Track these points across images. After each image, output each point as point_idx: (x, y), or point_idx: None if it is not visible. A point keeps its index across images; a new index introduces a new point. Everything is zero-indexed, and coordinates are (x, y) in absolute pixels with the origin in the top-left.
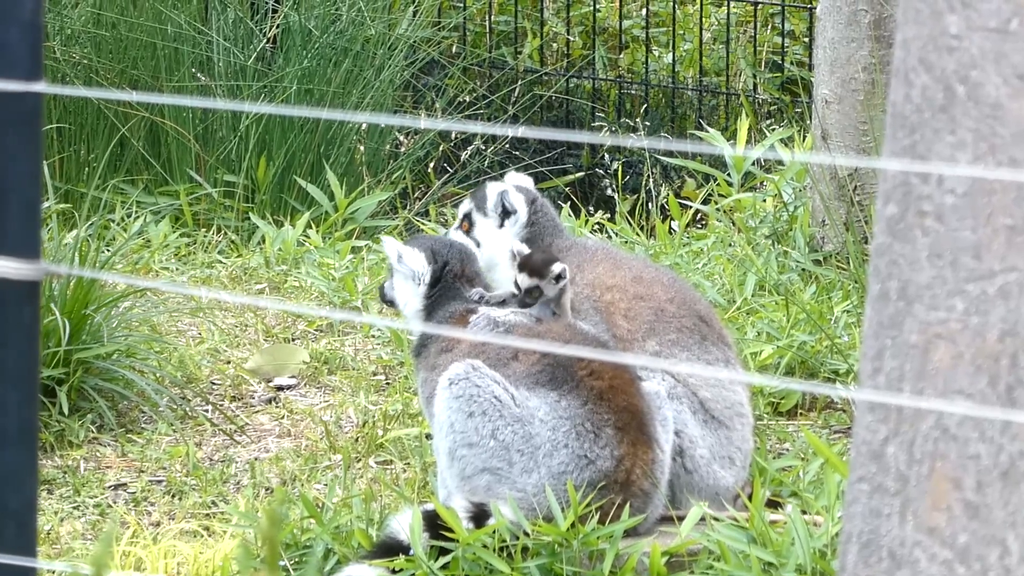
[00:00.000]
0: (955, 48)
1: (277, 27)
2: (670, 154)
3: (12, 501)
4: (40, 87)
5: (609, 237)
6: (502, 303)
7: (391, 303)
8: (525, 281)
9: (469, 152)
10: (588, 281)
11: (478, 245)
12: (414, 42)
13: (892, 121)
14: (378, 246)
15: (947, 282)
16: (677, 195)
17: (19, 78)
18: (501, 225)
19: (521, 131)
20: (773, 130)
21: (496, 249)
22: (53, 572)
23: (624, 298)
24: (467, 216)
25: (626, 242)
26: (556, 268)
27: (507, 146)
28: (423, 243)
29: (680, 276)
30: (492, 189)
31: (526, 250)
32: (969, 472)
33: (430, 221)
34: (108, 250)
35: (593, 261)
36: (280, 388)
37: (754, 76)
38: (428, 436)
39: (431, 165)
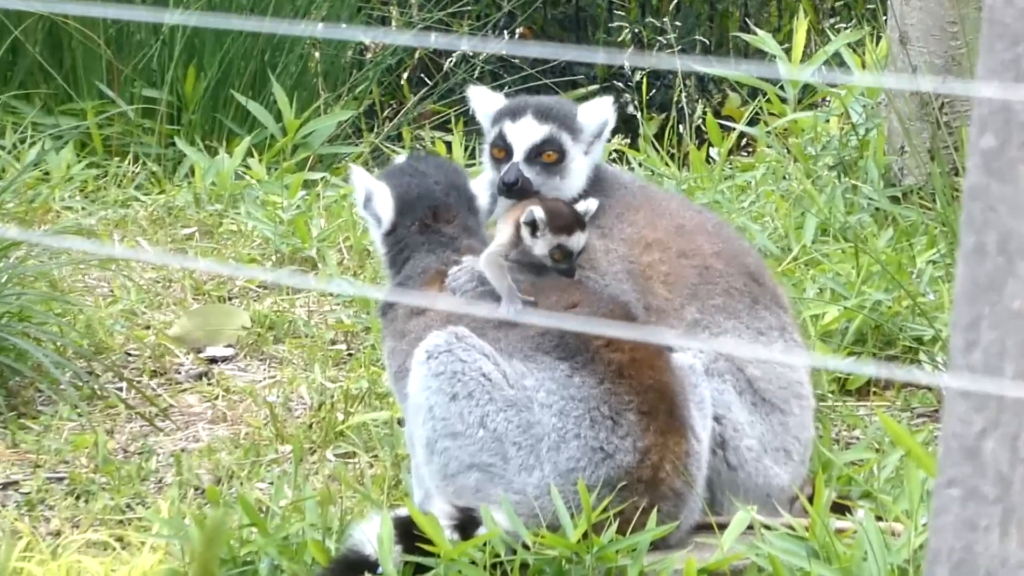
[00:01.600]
0: None
1: None
2: (707, 60)
3: None
4: None
5: (630, 167)
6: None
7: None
8: (550, 241)
9: (453, 60)
10: (625, 236)
11: (561, 178)
12: None
13: (989, 29)
14: (338, 179)
15: None
16: (717, 114)
17: None
18: (587, 152)
19: (512, 46)
20: (839, 31)
21: (578, 182)
22: None
23: (666, 258)
24: (551, 141)
25: (652, 174)
26: (588, 205)
27: (502, 53)
28: (395, 178)
29: (724, 220)
30: (599, 108)
31: (540, 212)
32: None
33: (403, 147)
34: None
35: (632, 208)
36: (213, 360)
37: None
38: (400, 422)
39: (404, 76)
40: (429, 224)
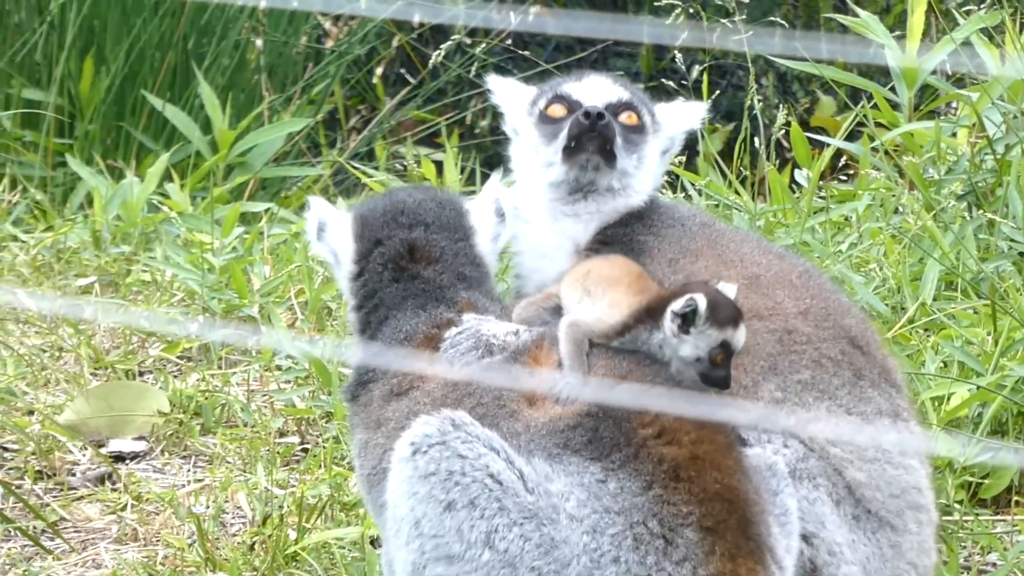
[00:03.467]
0: None
1: None
2: (790, 47)
3: None
4: None
5: (687, 196)
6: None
7: None
8: (711, 339)
9: (444, 50)
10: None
11: (638, 162)
12: None
13: None
14: (288, 211)
15: None
16: (805, 124)
17: None
18: (665, 151)
19: (526, 25)
20: (969, 13)
21: (649, 182)
22: None
23: None
24: (632, 104)
25: (717, 206)
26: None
27: (509, 40)
28: (358, 205)
29: (814, 268)
30: (679, 110)
31: (702, 301)
32: None
33: (376, 168)
34: None
35: (690, 253)
36: (119, 458)
37: None
38: (375, 542)
39: (378, 72)
40: (404, 265)
